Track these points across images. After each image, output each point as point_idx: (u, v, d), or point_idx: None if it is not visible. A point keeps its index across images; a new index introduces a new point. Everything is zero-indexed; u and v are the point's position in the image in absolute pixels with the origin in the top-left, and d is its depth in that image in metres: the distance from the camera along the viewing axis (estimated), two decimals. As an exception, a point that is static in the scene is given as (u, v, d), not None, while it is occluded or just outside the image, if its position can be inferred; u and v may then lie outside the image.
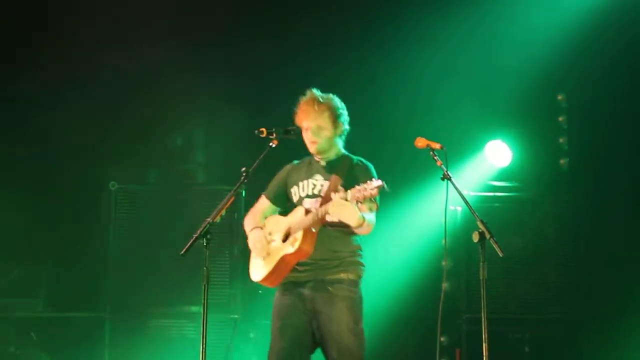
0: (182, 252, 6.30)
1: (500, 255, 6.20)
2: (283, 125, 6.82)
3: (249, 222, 7.05)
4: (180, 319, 9.47)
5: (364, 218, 6.41)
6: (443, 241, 6.88)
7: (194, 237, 6.30)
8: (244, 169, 6.56)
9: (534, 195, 9.95)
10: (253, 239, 6.90)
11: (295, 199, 6.89)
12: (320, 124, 6.77)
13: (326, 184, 6.76)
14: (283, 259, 6.65)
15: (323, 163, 6.87)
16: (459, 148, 8.89)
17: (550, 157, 10.21)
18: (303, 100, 6.85)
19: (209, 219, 6.36)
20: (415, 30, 9.96)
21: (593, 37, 9.85)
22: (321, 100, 6.79)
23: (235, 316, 9.45)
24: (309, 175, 6.86)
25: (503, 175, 9.99)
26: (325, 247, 6.65)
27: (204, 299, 6.28)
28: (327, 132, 6.79)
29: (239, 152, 9.09)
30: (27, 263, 9.87)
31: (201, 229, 6.32)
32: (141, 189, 9.73)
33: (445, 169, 6.56)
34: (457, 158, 9.32)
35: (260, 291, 9.56)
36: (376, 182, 6.22)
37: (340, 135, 6.87)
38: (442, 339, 9.17)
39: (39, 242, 9.86)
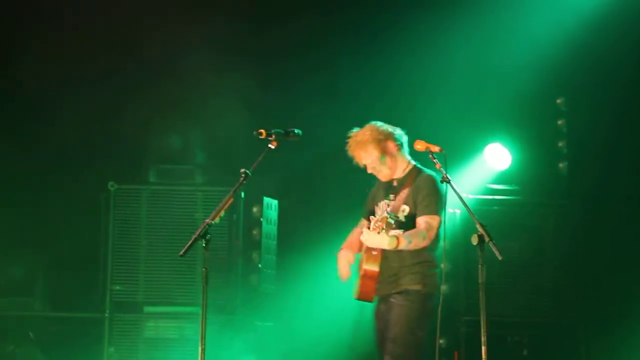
0: (182, 253, 6.31)
1: (499, 258, 6.23)
2: (284, 126, 6.84)
3: (347, 239, 7.39)
4: (179, 319, 9.46)
5: (396, 239, 6.65)
6: (442, 244, 6.87)
7: (193, 238, 6.31)
8: (243, 170, 6.57)
9: (532, 199, 9.96)
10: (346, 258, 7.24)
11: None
12: (372, 159, 7.05)
13: (392, 203, 7.03)
14: (362, 276, 7.00)
15: (395, 183, 7.13)
16: (458, 151, 8.87)
17: (549, 161, 10.21)
18: (349, 147, 7.12)
19: (208, 220, 6.37)
20: (415, 33, 9.96)
21: (593, 40, 9.86)
22: (359, 138, 7.06)
23: (234, 317, 9.45)
24: (385, 196, 7.16)
25: (502, 178, 10.00)
26: (391, 263, 6.95)
27: (203, 299, 6.29)
28: (382, 159, 7.05)
29: (238, 154, 9.09)
30: (25, 262, 9.86)
31: (200, 229, 6.33)
32: (140, 190, 9.72)
33: (444, 172, 6.60)
34: (457, 161, 9.31)
35: (259, 292, 9.62)
36: (381, 217, 6.55)
37: (398, 150, 7.09)
38: (440, 341, 9.13)
39: (37, 241, 9.85)
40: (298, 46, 10.07)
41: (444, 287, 7.05)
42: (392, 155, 7.07)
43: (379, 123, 7.13)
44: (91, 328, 9.53)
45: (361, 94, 9.64)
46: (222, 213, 6.50)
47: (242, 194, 9.48)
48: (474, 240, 6.33)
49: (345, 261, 7.13)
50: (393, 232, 6.61)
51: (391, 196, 7.08)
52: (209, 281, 6.37)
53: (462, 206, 6.57)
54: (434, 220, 6.85)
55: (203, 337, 6.28)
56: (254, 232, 9.67)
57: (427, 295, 6.90)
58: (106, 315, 9.50)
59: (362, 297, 7.02)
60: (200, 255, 6.34)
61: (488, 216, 8.65)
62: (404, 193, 6.98)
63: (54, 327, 9.72)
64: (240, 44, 10.09)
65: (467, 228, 9.03)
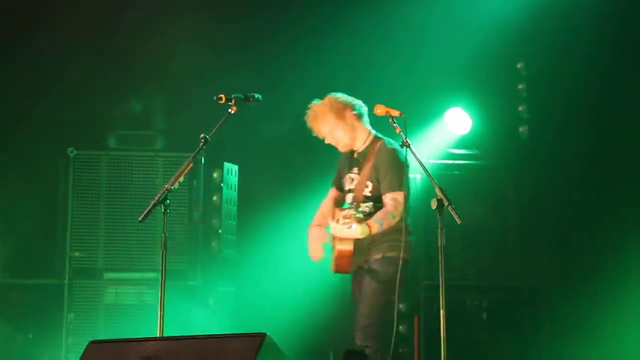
0: (141, 218, 6.30)
1: (459, 223, 6.24)
2: (242, 91, 6.82)
3: (316, 213, 7.40)
4: (139, 285, 9.44)
5: (368, 227, 6.78)
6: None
7: (152, 203, 6.31)
8: (202, 135, 6.55)
9: (493, 163, 9.99)
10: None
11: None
12: (330, 128, 7.08)
13: (357, 178, 7.11)
14: (337, 257, 7.04)
15: (355, 155, 7.19)
16: (418, 115, 8.88)
17: (509, 125, 10.24)
18: (307, 118, 7.15)
19: (167, 185, 6.36)
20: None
21: (553, 3, 9.86)
22: (318, 111, 7.10)
23: (194, 283, 9.44)
24: (349, 169, 7.22)
25: (462, 143, 10.01)
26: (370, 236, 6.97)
27: (162, 265, 6.29)
28: (339, 128, 7.07)
29: (198, 119, 9.03)
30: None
31: (159, 195, 6.33)
32: (100, 155, 9.66)
33: (404, 137, 6.61)
34: (417, 125, 9.31)
35: (219, 258, 9.61)
36: (348, 214, 6.68)
37: (357, 120, 7.12)
38: (400, 306, 9.20)
39: (-5, 207, 9.80)
40: (256, 14, 10.03)
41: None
42: (351, 125, 7.09)
43: (338, 94, 7.12)
44: (51, 295, 9.48)
45: (321, 61, 9.60)
46: (182, 178, 6.49)
47: (202, 160, 9.45)
48: (433, 205, 6.35)
49: (317, 241, 7.17)
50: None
51: (355, 169, 7.15)
52: (169, 247, 6.37)
53: (422, 171, 6.58)
54: (399, 195, 6.90)
55: (162, 303, 6.28)
56: (214, 197, 9.65)
57: (403, 260, 6.89)
58: (65, 281, 9.46)
59: (339, 270, 7.10)
60: (160, 221, 6.31)
61: (449, 181, 8.65)
62: (367, 169, 7.02)
63: (13, 294, 9.66)
64: (202, 7, 10.02)
65: (427, 193, 9.00)
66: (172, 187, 6.38)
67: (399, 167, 6.95)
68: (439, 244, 6.33)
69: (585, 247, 9.80)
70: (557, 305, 9.75)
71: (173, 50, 9.88)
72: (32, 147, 9.84)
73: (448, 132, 9.95)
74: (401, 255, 6.85)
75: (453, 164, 9.86)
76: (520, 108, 10.27)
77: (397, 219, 6.86)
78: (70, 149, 9.56)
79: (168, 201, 6.34)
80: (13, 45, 9.82)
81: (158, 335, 6.21)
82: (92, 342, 5.56)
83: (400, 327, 9.44)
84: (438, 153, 9.85)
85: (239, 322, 9.48)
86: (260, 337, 5.25)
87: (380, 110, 6.71)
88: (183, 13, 9.96)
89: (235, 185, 9.76)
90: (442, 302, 6.29)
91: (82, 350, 5.49)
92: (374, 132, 7.17)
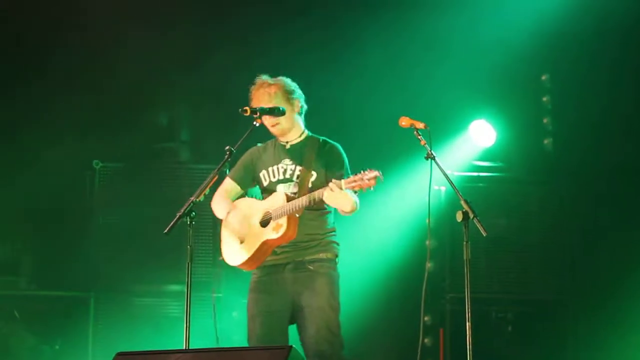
0: (166, 231, 6.30)
1: (484, 235, 6.22)
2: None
3: (221, 204, 7.04)
4: (164, 297, 9.47)
5: (357, 203, 6.56)
6: (427, 221, 6.89)
7: (178, 216, 6.31)
8: (227, 147, 6.56)
9: (518, 175, 9.98)
10: (232, 222, 6.91)
11: (265, 183, 6.96)
12: (272, 104, 6.80)
13: (297, 168, 6.82)
14: (265, 243, 6.72)
15: (288, 146, 6.94)
16: (443, 128, 8.87)
17: (534, 137, 10.23)
18: (253, 87, 6.91)
19: (192, 198, 6.37)
20: (400, 7, 9.93)
21: (578, 16, 9.84)
22: (271, 82, 6.87)
23: (219, 295, 9.46)
24: (277, 160, 6.93)
25: (487, 155, 10.00)
26: (303, 230, 6.72)
27: (188, 277, 6.30)
28: (282, 110, 6.81)
29: (223, 131, 9.06)
30: (10, 241, 9.85)
31: (185, 207, 6.33)
32: (125, 167, 9.71)
33: (429, 149, 6.56)
34: (441, 138, 9.31)
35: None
36: (372, 173, 6.33)
37: (299, 114, 6.94)
38: (425, 318, 9.19)
39: (23, 220, 9.83)
40: (283, 22, 10.04)
41: (429, 265, 7.05)
42: (293, 114, 6.90)
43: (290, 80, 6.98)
44: (77, 307, 9.53)
45: (346, 71, 9.61)
46: (207, 191, 6.51)
47: (227, 172, 9.46)
48: (459, 217, 6.32)
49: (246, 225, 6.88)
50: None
51: (286, 160, 6.89)
52: (194, 259, 6.38)
53: (447, 183, 6.55)
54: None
55: (188, 315, 6.28)
56: (239, 209, 9.65)
57: (336, 263, 6.81)
58: (92, 293, 9.50)
59: (250, 263, 6.79)
60: (185, 234, 6.33)
61: (473, 193, 8.66)
62: (309, 160, 6.81)
63: (40, 306, 9.71)
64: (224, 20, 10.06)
65: (452, 205, 9.05)
66: (197, 200, 6.39)
67: (346, 162, 6.85)
68: (465, 257, 6.30)
69: (610, 261, 9.75)
70: (581, 319, 9.72)
71: (199, 61, 9.92)
72: (58, 158, 9.88)
73: (473, 144, 9.93)
74: (335, 257, 6.78)
75: (478, 176, 9.85)
76: (545, 120, 10.26)
77: (354, 210, 6.63)
78: (95, 161, 9.61)
79: (193, 213, 6.34)
80: (44, 59, 9.89)
81: (184, 347, 6.22)
82: (119, 354, 5.59)
83: (426, 340, 9.45)
84: (463, 165, 9.84)
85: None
86: (287, 349, 5.25)
87: (405, 122, 6.67)
88: (207, 23, 10.00)
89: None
90: (468, 314, 6.27)
91: (108, 362, 5.51)
92: (310, 133, 7.00)
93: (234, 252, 6.89)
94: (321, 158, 6.82)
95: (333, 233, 6.85)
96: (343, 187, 6.41)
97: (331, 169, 6.78)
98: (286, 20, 9.94)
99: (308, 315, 6.67)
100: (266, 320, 6.75)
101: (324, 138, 6.95)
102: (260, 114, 6.71)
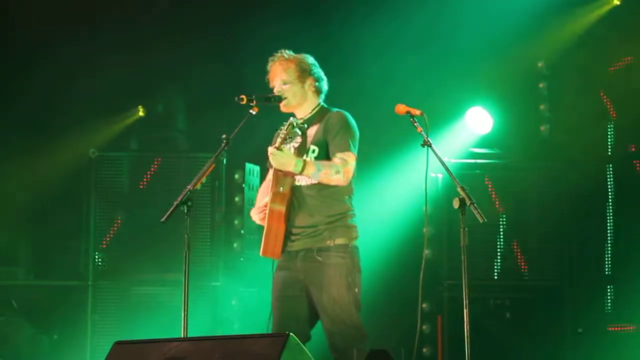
0: (163, 219, 6.29)
1: (481, 222, 6.21)
2: (264, 92, 6.79)
3: (261, 196, 6.86)
4: (162, 286, 9.47)
5: (303, 162, 6.34)
6: (424, 208, 6.84)
7: (175, 204, 6.30)
8: (224, 135, 6.53)
9: (515, 162, 9.97)
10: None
11: None
12: (284, 78, 6.67)
13: (299, 144, 6.63)
14: (268, 217, 6.51)
15: (301, 122, 6.63)
16: (439, 115, 8.87)
17: (531, 124, 10.22)
18: (272, 60, 6.77)
19: (189, 186, 6.35)
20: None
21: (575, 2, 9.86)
22: (286, 57, 6.73)
23: (217, 283, 9.47)
24: (292, 138, 6.64)
25: (484, 142, 10.00)
26: (309, 214, 6.53)
27: (185, 266, 6.30)
28: (294, 86, 6.67)
29: (219, 120, 9.06)
30: (7, 231, 9.86)
31: (182, 196, 6.32)
32: (122, 156, 9.72)
33: (425, 136, 6.53)
34: (438, 125, 9.30)
35: (241, 259, 9.63)
36: (286, 125, 6.26)
37: (314, 92, 6.73)
38: (423, 305, 9.20)
39: (19, 210, 9.84)
40: (278, 9, 10.04)
41: (426, 252, 7.02)
42: (304, 92, 6.71)
43: (312, 59, 6.81)
44: (75, 296, 9.54)
45: (341, 59, 9.59)
46: (204, 179, 6.49)
47: (224, 160, 9.48)
48: (456, 204, 6.31)
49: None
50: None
51: (298, 138, 6.58)
52: (192, 248, 6.38)
53: (444, 170, 6.53)
54: (349, 157, 6.46)
55: (186, 304, 6.29)
56: (236, 198, 9.67)
57: (354, 247, 6.59)
58: (90, 283, 9.51)
59: (269, 249, 6.54)
60: (183, 222, 6.32)
61: (470, 180, 8.66)
62: (312, 131, 6.62)
63: (38, 296, 9.72)
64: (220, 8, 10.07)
65: (449, 192, 9.06)
66: (194, 188, 6.37)
67: (351, 131, 6.56)
68: (462, 244, 6.29)
69: (608, 248, 9.75)
70: (579, 305, 9.72)
71: (194, 50, 9.92)
72: (55, 148, 9.89)
73: (469, 131, 9.93)
74: (351, 242, 6.55)
75: (474, 163, 9.84)
76: (541, 107, 10.25)
77: (341, 178, 6.41)
78: (91, 150, 9.61)
79: (190, 202, 6.33)
80: (43, 48, 9.89)
81: (182, 336, 6.22)
82: (117, 343, 5.59)
83: (424, 327, 9.46)
84: (459, 152, 9.84)
85: (262, 323, 9.49)
86: (284, 337, 5.26)
87: (401, 109, 6.63)
88: (207, 13, 10.00)
89: (256, 186, 9.75)
90: (465, 301, 6.27)
91: (106, 351, 5.51)
92: (325, 105, 6.79)
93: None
94: (323, 128, 6.61)
95: (348, 214, 6.59)
96: (269, 150, 6.31)
97: (329, 138, 6.57)
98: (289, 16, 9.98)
99: (320, 310, 6.51)
100: (281, 306, 6.60)
101: (337, 109, 6.72)
102: (256, 102, 6.67)
